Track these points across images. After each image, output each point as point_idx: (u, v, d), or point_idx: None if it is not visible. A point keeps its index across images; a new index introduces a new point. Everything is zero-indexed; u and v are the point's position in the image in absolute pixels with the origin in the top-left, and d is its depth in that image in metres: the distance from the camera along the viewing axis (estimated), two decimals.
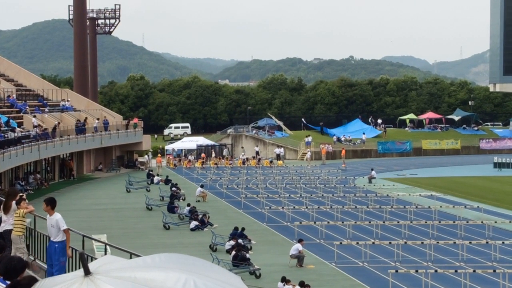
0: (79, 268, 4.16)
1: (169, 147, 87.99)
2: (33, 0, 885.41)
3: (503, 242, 33.74)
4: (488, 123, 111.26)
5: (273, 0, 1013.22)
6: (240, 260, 29.96)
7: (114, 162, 74.29)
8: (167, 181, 60.56)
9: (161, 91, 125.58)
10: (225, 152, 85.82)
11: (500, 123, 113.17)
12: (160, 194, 51.51)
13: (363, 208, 45.29)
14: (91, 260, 4.16)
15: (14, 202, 16.01)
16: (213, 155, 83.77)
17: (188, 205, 43.97)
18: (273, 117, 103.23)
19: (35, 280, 7.38)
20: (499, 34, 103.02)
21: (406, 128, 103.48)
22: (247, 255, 30.74)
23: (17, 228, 15.56)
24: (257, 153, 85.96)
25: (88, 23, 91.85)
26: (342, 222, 39.92)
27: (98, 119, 70.03)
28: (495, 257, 32.09)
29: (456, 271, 28.67)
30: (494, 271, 28.86)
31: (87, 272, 3.79)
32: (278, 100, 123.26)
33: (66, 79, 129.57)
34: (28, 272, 13.46)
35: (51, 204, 15.21)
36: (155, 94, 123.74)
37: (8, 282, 8.19)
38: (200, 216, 41.18)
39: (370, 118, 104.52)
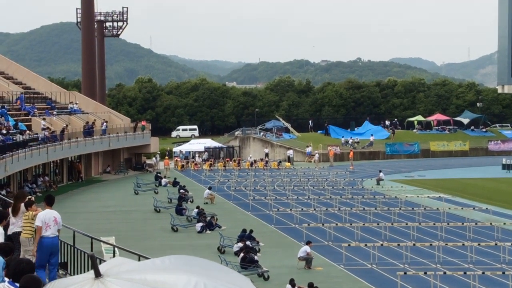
0: (88, 270, 4.15)
1: (176, 149, 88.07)
2: (41, 3, 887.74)
3: None
4: (497, 125, 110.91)
5: (281, 2, 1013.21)
6: (248, 262, 29.95)
7: (122, 165, 74.38)
8: (175, 183, 60.58)
9: (168, 93, 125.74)
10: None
11: (509, 125, 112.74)
12: (168, 196, 51.54)
13: (371, 210, 45.23)
14: (100, 263, 4.14)
15: (22, 204, 16.04)
16: (235, 156, 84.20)
17: (197, 207, 43.97)
18: (281, 119, 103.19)
19: (37, 280, 7.39)
20: (507, 35, 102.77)
21: (414, 130, 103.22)
22: (255, 257, 30.72)
23: (26, 231, 15.58)
24: (267, 155, 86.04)
25: (96, 26, 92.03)
26: (350, 224, 39.86)
27: (106, 121, 70.14)
28: (504, 259, 31.99)
29: (465, 273, 28.60)
30: (503, 273, 28.77)
31: (97, 274, 3.79)
32: (285, 102, 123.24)
33: (74, 81, 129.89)
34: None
35: (45, 201, 15.55)
36: (162, 96, 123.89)
37: (17, 285, 8.23)
38: (208, 218, 41.19)
39: (385, 121, 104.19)
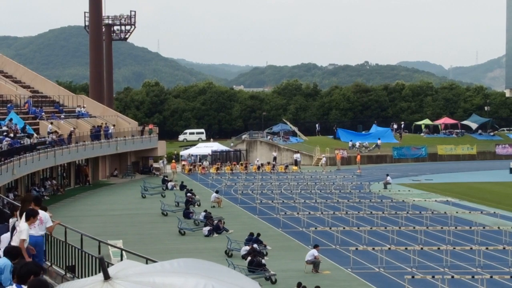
0: (96, 273, 4.15)
1: (184, 152, 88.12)
2: (49, 7, 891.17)
3: None
4: (504, 129, 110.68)
5: (288, 6, 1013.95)
6: (255, 265, 29.94)
7: (130, 168, 74.47)
8: (182, 187, 60.63)
9: (176, 97, 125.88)
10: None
11: None
12: (175, 200, 51.60)
13: (379, 213, 45.15)
14: (108, 266, 4.15)
15: (30, 207, 16.09)
16: (242, 160, 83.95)
17: (205, 211, 44.01)
18: (288, 123, 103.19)
19: (44, 283, 7.42)
20: None
21: (422, 134, 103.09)
22: (263, 261, 30.72)
23: None
24: (275, 158, 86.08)
25: (103, 30, 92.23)
26: (358, 228, 39.82)
27: (113, 125, 70.25)
28: None
29: (473, 277, 28.51)
30: (511, 277, 28.66)
31: (106, 277, 3.80)
32: (293, 106, 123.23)
33: (82, 85, 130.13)
34: (45, 277, 13.49)
35: (33, 201, 15.86)
36: (170, 100, 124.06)
37: (24, 287, 8.26)
38: (216, 221, 41.20)
39: (392, 124, 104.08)
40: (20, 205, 16.83)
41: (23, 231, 14.06)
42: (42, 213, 15.44)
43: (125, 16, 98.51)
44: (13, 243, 14.21)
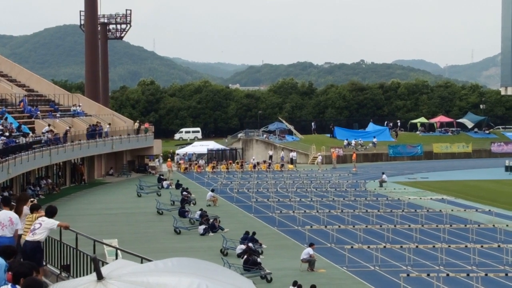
0: (91, 272, 4.17)
1: (180, 151, 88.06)
2: (44, 5, 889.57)
3: None
4: (500, 127, 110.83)
5: (284, 5, 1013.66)
6: (251, 264, 29.94)
7: (125, 167, 74.38)
8: (177, 186, 60.57)
9: (172, 95, 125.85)
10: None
11: None
12: (171, 199, 51.56)
13: (374, 212, 45.19)
14: (102, 265, 4.16)
15: (25, 207, 16.05)
16: (238, 158, 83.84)
17: (200, 209, 43.98)
18: (284, 121, 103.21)
19: (38, 283, 7.43)
20: (510, 37, 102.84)
21: (417, 132, 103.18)
22: (258, 260, 30.72)
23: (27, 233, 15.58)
24: (271, 157, 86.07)
25: (99, 28, 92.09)
26: (353, 226, 39.85)
27: (109, 124, 70.16)
28: (507, 261, 31.95)
29: (468, 275, 28.54)
30: (506, 274, 28.73)
31: (100, 277, 3.80)
32: (288, 104, 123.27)
33: (77, 84, 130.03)
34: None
35: (1, 202, 15.95)
36: (166, 98, 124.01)
37: (18, 287, 8.26)
38: (211, 220, 41.18)
39: (386, 122, 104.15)
40: (15, 204, 16.81)
41: (49, 221, 14.86)
42: (12, 214, 14.82)
43: (120, 15, 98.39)
44: (37, 237, 14.40)
